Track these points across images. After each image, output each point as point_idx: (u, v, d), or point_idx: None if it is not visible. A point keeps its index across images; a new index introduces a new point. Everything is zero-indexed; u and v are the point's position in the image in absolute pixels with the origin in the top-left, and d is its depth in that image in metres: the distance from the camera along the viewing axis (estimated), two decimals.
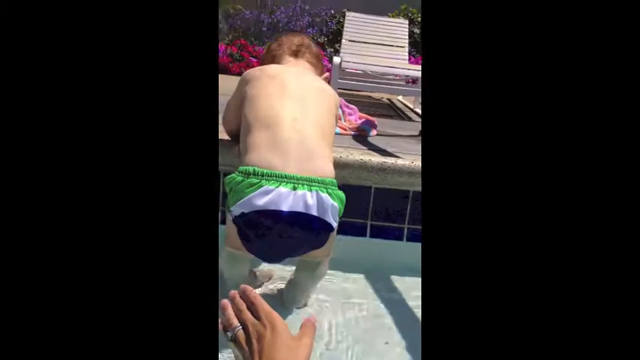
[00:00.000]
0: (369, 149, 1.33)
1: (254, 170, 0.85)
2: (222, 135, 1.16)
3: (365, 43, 3.66)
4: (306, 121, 0.93)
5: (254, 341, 0.64)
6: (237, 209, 0.87)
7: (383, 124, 2.14)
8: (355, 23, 4.07)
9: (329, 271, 1.05)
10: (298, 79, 1.02)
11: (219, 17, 6.74)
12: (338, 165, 1.15)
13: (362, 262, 1.21)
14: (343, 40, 4.01)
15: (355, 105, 2.10)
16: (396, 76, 2.96)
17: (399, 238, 1.26)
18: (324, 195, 0.87)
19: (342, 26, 4.12)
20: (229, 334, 0.67)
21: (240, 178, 0.87)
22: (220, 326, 0.68)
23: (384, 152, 1.29)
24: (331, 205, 0.87)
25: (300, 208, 0.84)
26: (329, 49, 5.20)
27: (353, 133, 1.68)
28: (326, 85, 1.08)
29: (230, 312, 0.69)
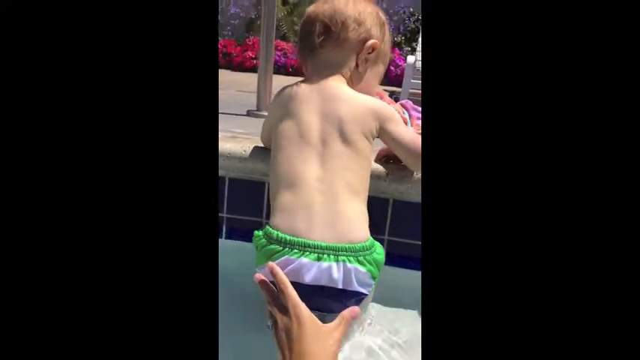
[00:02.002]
0: None
1: (277, 236, 0.79)
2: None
3: None
4: (332, 178, 0.80)
5: (283, 334, 0.70)
6: (261, 273, 0.80)
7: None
8: None
9: None
10: (318, 111, 0.83)
11: (296, 20, 6.85)
12: (395, 178, 0.99)
13: None
14: (421, 38, 3.80)
15: None
16: None
17: None
18: (352, 266, 0.77)
19: (421, 24, 3.92)
20: (268, 323, 0.75)
21: (264, 242, 0.81)
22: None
23: None
24: (361, 274, 0.78)
25: (323, 282, 0.76)
26: (406, 48, 4.97)
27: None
28: (357, 99, 0.85)
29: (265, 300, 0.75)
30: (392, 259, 1.05)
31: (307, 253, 0.76)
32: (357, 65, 0.88)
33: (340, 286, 0.77)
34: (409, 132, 0.89)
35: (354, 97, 0.86)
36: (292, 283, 0.75)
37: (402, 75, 3.43)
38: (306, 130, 0.82)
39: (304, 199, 0.79)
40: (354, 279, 0.77)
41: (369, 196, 0.87)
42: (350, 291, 0.78)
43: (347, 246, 0.77)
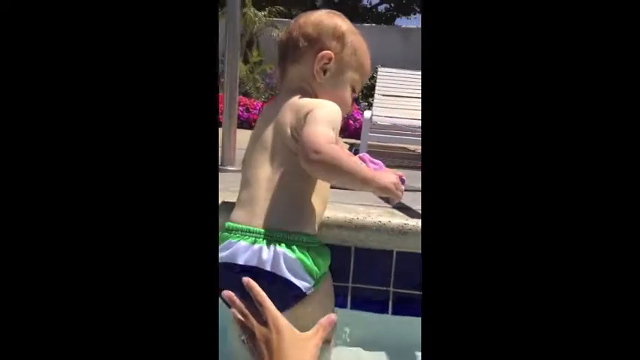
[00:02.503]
0: (393, 207, 1.22)
1: (226, 225, 0.89)
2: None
3: (397, 96, 3.64)
4: (276, 177, 0.89)
5: (262, 345, 0.71)
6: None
7: (414, 177, 2.00)
8: (388, 78, 4.08)
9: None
10: (274, 121, 0.92)
11: (258, 77, 7.09)
12: (355, 227, 1.04)
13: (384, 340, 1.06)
14: (376, 95, 4.01)
15: (389, 157, 2.00)
16: None
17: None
18: (281, 249, 0.84)
19: (376, 81, 4.14)
20: (242, 337, 0.75)
21: (220, 234, 0.90)
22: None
23: (408, 211, 1.17)
24: (290, 260, 0.84)
25: (254, 263, 0.84)
26: (363, 103, 5.23)
27: None
28: (301, 105, 0.89)
29: (238, 318, 0.76)
30: (357, 304, 1.09)
31: (246, 237, 0.85)
32: (314, 77, 0.92)
33: (269, 268, 0.82)
34: (325, 128, 0.84)
35: (301, 103, 0.89)
36: (229, 264, 0.83)
37: (360, 128, 3.60)
38: (265, 139, 0.92)
39: (252, 195, 0.89)
40: (282, 263, 0.83)
41: (334, 245, 0.92)
42: (281, 277, 0.82)
43: (279, 233, 0.85)
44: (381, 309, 1.09)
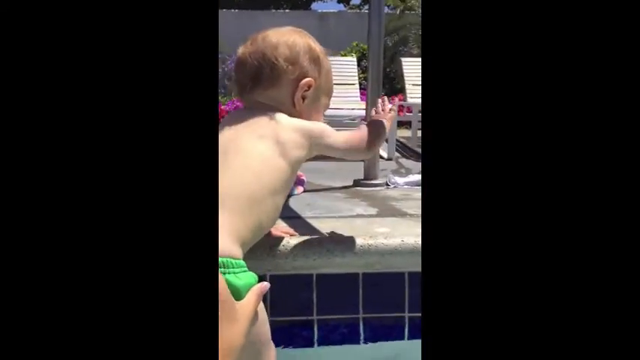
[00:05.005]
0: (282, 217, 1.07)
1: None
2: None
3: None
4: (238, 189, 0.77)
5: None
6: None
7: (322, 171, 1.95)
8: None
9: None
10: (236, 129, 0.85)
11: None
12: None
13: None
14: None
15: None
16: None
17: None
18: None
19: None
20: None
21: None
22: None
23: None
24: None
25: None
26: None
27: None
28: (266, 126, 0.84)
29: None
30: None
31: None
32: (293, 104, 0.87)
33: None
34: (340, 137, 0.90)
35: (278, 115, 0.85)
36: None
37: None
38: (222, 150, 0.79)
39: None
40: None
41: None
42: None
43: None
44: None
